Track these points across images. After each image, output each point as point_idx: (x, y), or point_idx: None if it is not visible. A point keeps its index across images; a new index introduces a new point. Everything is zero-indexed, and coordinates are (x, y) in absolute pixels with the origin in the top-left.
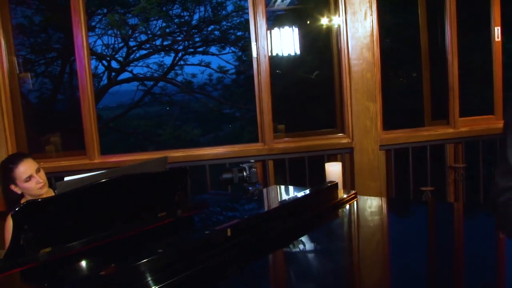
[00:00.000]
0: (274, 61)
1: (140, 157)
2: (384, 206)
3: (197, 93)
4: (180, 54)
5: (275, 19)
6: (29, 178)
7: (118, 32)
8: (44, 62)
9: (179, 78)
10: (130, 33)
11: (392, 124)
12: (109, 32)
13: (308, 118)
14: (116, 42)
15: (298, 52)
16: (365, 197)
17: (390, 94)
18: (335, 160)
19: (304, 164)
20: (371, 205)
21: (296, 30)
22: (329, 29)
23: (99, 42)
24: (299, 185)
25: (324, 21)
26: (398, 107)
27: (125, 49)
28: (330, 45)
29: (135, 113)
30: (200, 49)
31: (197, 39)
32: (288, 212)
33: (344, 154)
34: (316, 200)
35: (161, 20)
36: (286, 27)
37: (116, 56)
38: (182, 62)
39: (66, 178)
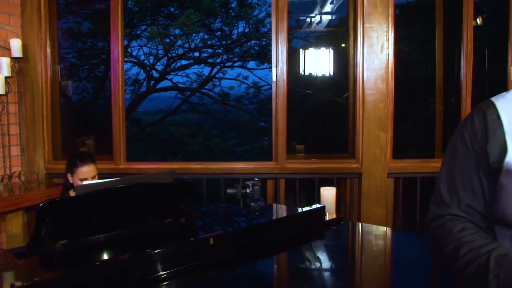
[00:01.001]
0: (307, 80)
1: (161, 166)
2: (372, 233)
3: (230, 106)
4: (218, 67)
5: (317, 39)
6: (84, 180)
7: (160, 42)
8: (88, 67)
9: (217, 89)
10: (171, 43)
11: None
12: (152, 42)
13: (329, 140)
14: (158, 51)
15: (331, 73)
16: (356, 223)
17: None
18: (344, 184)
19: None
20: (358, 231)
21: (331, 51)
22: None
23: (145, 49)
24: (309, 204)
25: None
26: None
27: (165, 59)
28: None
29: (173, 119)
30: (238, 63)
31: (237, 52)
32: (268, 229)
33: (353, 179)
34: (297, 222)
35: (203, 33)
36: (323, 48)
37: (158, 64)
38: (220, 74)
39: (84, 182)
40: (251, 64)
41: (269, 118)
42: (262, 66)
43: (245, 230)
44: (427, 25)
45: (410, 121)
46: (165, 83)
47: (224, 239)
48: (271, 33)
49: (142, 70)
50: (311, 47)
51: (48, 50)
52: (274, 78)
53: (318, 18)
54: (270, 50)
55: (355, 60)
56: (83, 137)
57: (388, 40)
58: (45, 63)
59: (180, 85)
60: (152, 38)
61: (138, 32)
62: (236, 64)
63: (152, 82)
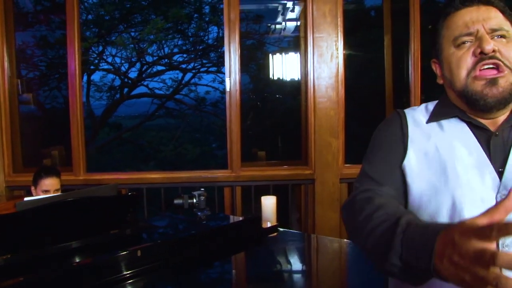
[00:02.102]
0: (278, 85)
1: (121, 177)
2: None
3: (204, 112)
4: (192, 72)
5: (288, 44)
6: (46, 192)
7: (133, 49)
8: (58, 76)
9: (192, 95)
10: (142, 51)
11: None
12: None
13: (289, 146)
14: (132, 58)
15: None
16: (290, 231)
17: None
18: (299, 190)
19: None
20: (291, 239)
21: (299, 56)
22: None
23: (122, 55)
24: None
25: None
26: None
27: (139, 65)
28: None
29: (150, 125)
30: (213, 69)
31: (212, 57)
32: (200, 238)
33: (307, 185)
34: (231, 231)
35: (177, 39)
36: (291, 53)
37: (133, 70)
38: (196, 80)
39: (25, 199)
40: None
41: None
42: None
43: (175, 241)
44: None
45: (366, 126)
46: (141, 89)
47: (152, 250)
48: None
49: (117, 77)
50: (283, 52)
51: (6, 64)
52: (227, 88)
53: (283, 24)
54: (245, 54)
55: (306, 69)
56: (49, 148)
57: (337, 49)
58: (2, 77)
59: (156, 90)
60: (120, 45)
61: (113, 38)
62: (211, 69)
63: (126, 89)
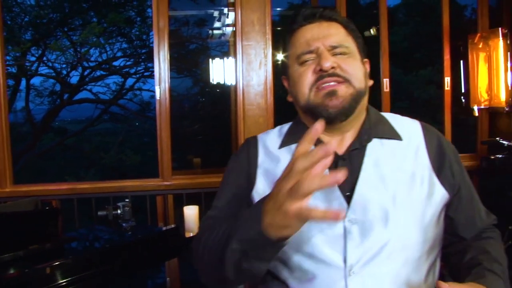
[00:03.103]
0: (219, 90)
1: (49, 188)
2: None
3: (146, 117)
4: (135, 76)
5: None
6: None
7: (74, 54)
8: None
9: (137, 99)
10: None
11: None
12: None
13: (227, 153)
14: (73, 63)
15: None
16: None
17: None
18: None
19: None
20: None
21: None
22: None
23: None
24: None
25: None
26: None
27: (80, 70)
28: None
29: (94, 130)
30: None
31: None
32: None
33: None
34: (148, 243)
35: (120, 43)
36: (231, 58)
37: (75, 74)
38: (141, 84)
39: None
40: (172, 73)
41: (191, 126)
42: (181, 75)
43: (90, 254)
44: None
45: None
46: (84, 94)
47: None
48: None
49: (58, 82)
50: (224, 57)
51: None
52: (157, 96)
53: (223, 30)
54: (190, 59)
55: (237, 75)
56: None
57: (266, 57)
58: None
59: (101, 95)
60: (55, 50)
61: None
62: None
63: (66, 94)
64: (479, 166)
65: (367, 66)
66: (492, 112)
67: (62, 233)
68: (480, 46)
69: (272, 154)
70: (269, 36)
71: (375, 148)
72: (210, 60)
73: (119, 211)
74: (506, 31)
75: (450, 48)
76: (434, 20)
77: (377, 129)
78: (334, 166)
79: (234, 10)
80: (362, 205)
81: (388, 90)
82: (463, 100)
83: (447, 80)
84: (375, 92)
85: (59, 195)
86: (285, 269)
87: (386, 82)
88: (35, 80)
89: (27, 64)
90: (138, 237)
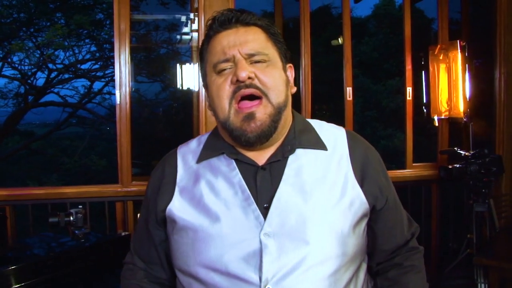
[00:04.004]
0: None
1: (2, 193)
2: None
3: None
4: (106, 79)
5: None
6: None
7: (40, 55)
8: None
9: (106, 103)
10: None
11: None
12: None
13: None
14: (40, 64)
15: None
16: None
17: None
18: None
19: None
20: None
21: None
22: None
23: (25, 62)
24: None
25: None
26: None
27: (47, 72)
28: None
29: (61, 134)
30: None
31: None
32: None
33: None
34: (98, 250)
35: (89, 46)
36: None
37: (42, 75)
38: (110, 88)
39: None
40: (141, 78)
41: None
42: (151, 79)
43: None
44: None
45: None
46: (51, 97)
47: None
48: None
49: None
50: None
51: None
52: (117, 101)
53: (191, 35)
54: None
55: (199, 81)
56: None
57: None
58: None
59: (68, 98)
60: (17, 51)
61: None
62: None
63: (31, 97)
64: (438, 175)
65: (291, 72)
66: (452, 122)
67: (12, 240)
68: (441, 57)
69: (191, 170)
70: None
71: (298, 158)
72: (178, 65)
73: (71, 218)
74: (464, 43)
75: (413, 59)
76: (403, 31)
77: (301, 139)
78: (253, 177)
79: (198, 16)
80: (280, 218)
81: (351, 98)
82: (425, 110)
83: (409, 90)
84: (340, 100)
85: (13, 201)
86: (199, 287)
87: (349, 90)
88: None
89: None
90: (86, 245)
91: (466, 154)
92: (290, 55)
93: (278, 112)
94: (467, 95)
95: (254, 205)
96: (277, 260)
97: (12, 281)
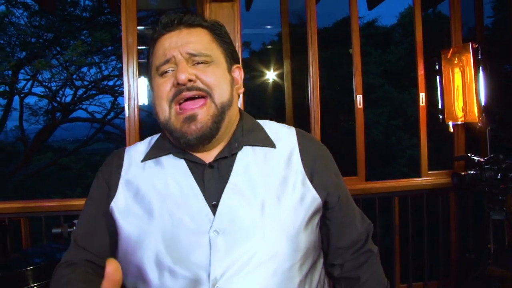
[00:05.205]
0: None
1: (16, 205)
2: None
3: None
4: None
5: None
6: None
7: (67, 73)
8: None
9: None
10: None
11: None
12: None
13: None
14: (67, 80)
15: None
16: None
17: None
18: None
19: None
20: None
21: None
22: None
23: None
24: None
25: None
26: None
27: (74, 89)
28: None
29: (89, 150)
30: None
31: None
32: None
33: None
34: None
35: (116, 62)
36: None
37: (69, 94)
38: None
39: None
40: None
41: None
42: None
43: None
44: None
45: None
46: (79, 113)
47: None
48: None
49: (52, 101)
50: None
51: None
52: (126, 114)
53: None
54: None
55: None
56: None
57: None
58: None
59: (96, 114)
60: (41, 69)
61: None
62: None
63: (58, 113)
64: (451, 183)
65: (240, 73)
66: (468, 128)
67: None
68: (455, 61)
69: (137, 167)
70: (239, 54)
71: (246, 155)
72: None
73: (74, 228)
74: (476, 45)
75: (425, 64)
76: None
77: (249, 137)
78: (201, 175)
79: None
80: (229, 215)
81: (361, 106)
82: (440, 116)
83: (422, 96)
84: (365, 110)
85: (27, 213)
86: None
87: (359, 98)
88: (30, 99)
89: (22, 83)
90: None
91: (480, 160)
92: (238, 56)
93: (221, 112)
94: (482, 99)
95: (203, 202)
96: (226, 258)
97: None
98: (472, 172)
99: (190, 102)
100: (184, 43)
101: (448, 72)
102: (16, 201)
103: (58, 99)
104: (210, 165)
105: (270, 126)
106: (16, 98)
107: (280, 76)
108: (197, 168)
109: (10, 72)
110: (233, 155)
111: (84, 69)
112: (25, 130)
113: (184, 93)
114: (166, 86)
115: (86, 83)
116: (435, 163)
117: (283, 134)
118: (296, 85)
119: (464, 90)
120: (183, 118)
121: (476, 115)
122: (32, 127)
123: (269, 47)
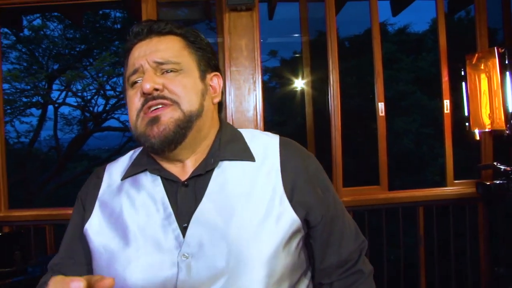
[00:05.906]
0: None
1: (41, 213)
2: None
3: None
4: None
5: None
6: None
7: (98, 83)
8: None
9: None
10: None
11: None
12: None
13: None
14: (100, 91)
15: None
16: None
17: None
18: None
19: None
20: None
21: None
22: None
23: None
24: None
25: None
26: None
27: (106, 98)
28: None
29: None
30: None
31: None
32: None
33: None
34: None
35: None
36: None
37: (102, 102)
38: None
39: None
40: None
41: None
42: None
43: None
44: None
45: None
46: (111, 122)
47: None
48: None
49: (85, 112)
50: None
51: None
52: None
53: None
54: None
55: (225, 102)
56: None
57: (255, 82)
58: None
59: (127, 123)
60: (71, 80)
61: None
62: None
63: (90, 122)
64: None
65: (218, 81)
66: (495, 136)
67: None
68: (482, 67)
69: (114, 187)
70: (258, 62)
71: (223, 171)
72: None
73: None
74: (502, 50)
75: (452, 70)
76: (437, 42)
77: (226, 150)
78: (175, 194)
79: (223, 37)
80: (199, 238)
81: (383, 114)
82: (466, 124)
83: (447, 103)
84: (393, 118)
85: (51, 220)
86: None
87: (381, 106)
88: (64, 109)
89: (56, 93)
90: None
91: (507, 169)
92: (216, 63)
93: (188, 120)
94: (509, 106)
95: (175, 224)
96: (194, 283)
97: None
98: (498, 182)
99: (153, 111)
100: (153, 51)
101: (474, 78)
102: (41, 208)
103: (90, 108)
104: (184, 183)
105: (252, 137)
106: (51, 108)
107: (308, 84)
108: (171, 187)
109: (44, 83)
110: (209, 172)
111: (115, 79)
112: (59, 139)
113: (150, 102)
114: (135, 97)
115: (117, 93)
116: (464, 172)
117: (263, 146)
118: (321, 93)
119: (491, 97)
120: (146, 121)
121: (503, 122)
122: (66, 136)
123: (297, 55)
